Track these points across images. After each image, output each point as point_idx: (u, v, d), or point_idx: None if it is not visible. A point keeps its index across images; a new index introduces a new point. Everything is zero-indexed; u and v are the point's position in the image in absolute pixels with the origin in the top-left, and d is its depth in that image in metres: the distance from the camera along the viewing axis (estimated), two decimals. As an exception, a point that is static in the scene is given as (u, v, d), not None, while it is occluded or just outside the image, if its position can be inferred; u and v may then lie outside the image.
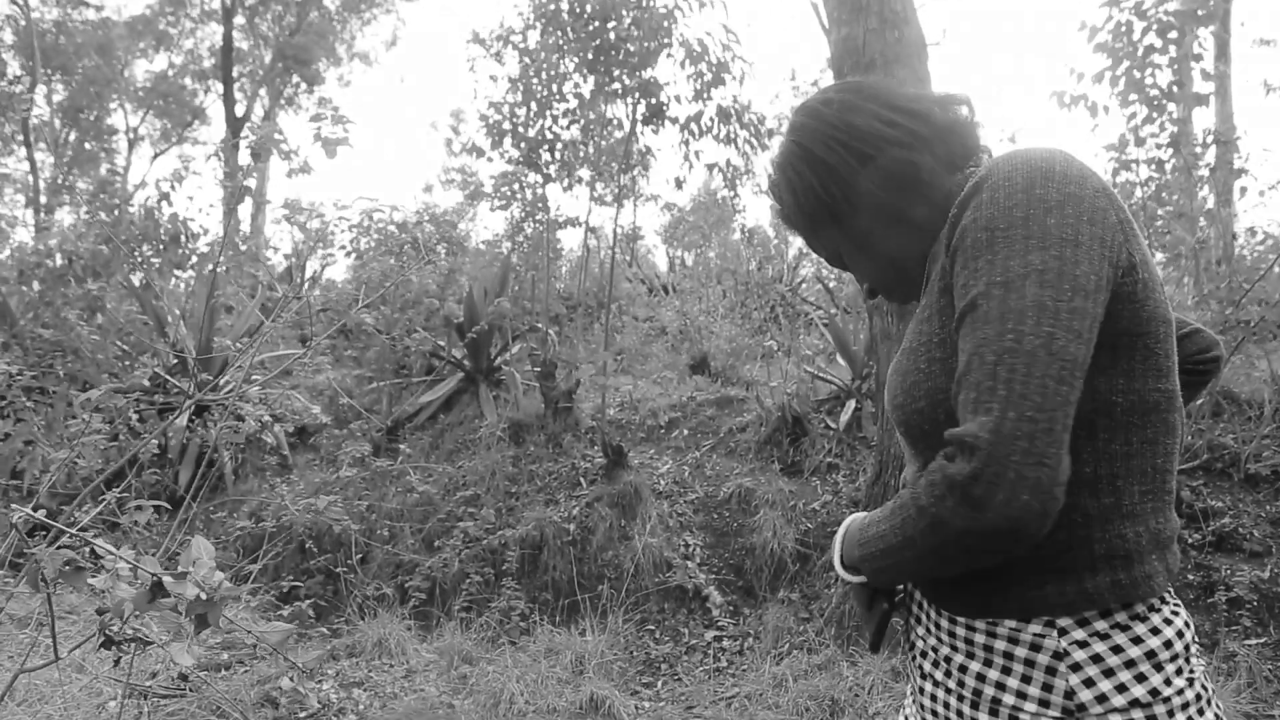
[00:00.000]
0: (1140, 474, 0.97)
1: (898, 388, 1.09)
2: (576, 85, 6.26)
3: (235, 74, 22.19)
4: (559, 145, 6.50)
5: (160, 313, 6.95)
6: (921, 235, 1.12)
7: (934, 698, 1.08)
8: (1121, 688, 0.93)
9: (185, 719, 3.28)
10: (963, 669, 1.03)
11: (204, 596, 1.43)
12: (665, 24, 5.79)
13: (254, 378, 4.80)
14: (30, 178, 21.84)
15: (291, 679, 3.46)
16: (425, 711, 3.42)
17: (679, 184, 6.59)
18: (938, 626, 1.08)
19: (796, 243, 12.03)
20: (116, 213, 8.57)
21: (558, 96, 6.31)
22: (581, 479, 5.36)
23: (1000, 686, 0.98)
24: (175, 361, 6.49)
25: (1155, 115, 5.76)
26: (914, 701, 1.15)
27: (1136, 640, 0.94)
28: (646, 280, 11.58)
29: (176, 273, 8.85)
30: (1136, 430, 0.96)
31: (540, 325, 7.16)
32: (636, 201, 9.69)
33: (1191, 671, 0.97)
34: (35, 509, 1.64)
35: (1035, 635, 0.96)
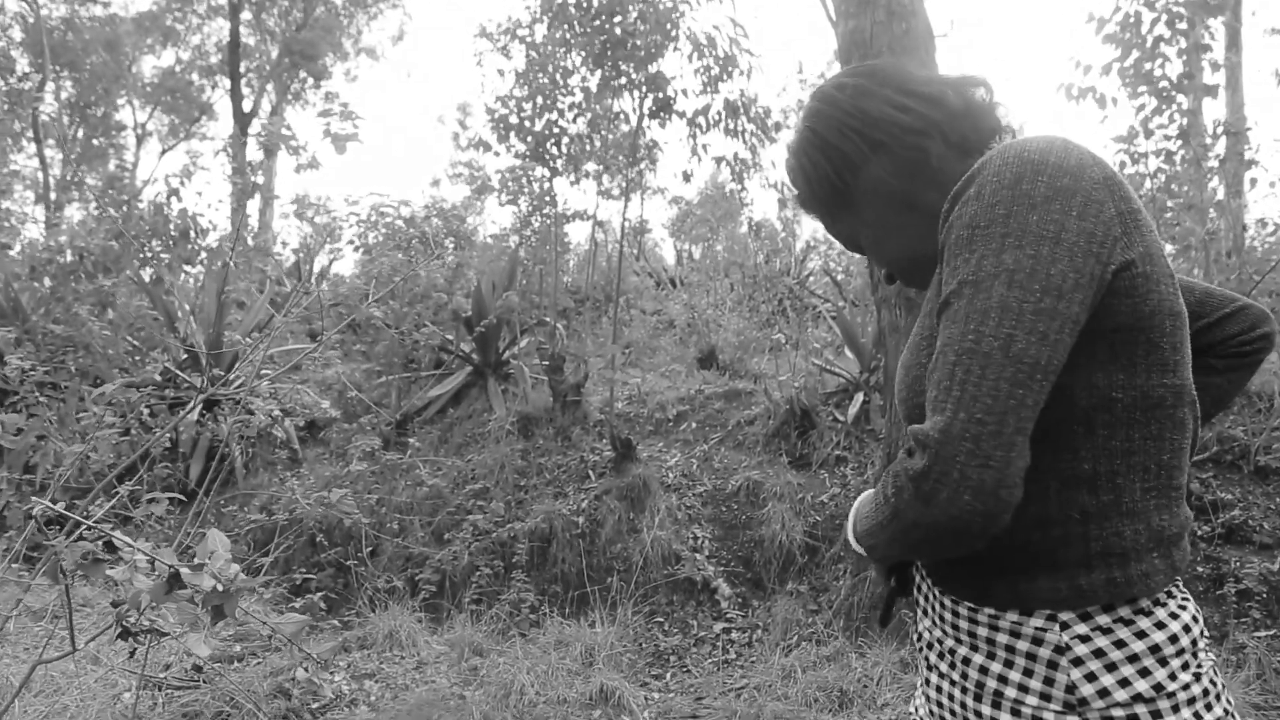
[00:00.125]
0: (1143, 471, 0.96)
1: (903, 381, 1.10)
2: (584, 79, 6.26)
3: (242, 69, 22.19)
4: (565, 139, 6.51)
5: (170, 308, 6.99)
6: (934, 221, 1.11)
7: (940, 689, 1.08)
8: (1124, 682, 0.92)
9: (199, 710, 3.31)
10: (966, 661, 1.03)
11: (220, 588, 1.45)
12: (672, 17, 5.79)
13: (264, 372, 4.83)
14: (40, 174, 21.92)
15: (306, 669, 3.48)
16: (436, 702, 3.44)
17: (686, 178, 6.60)
18: (943, 619, 1.08)
19: (804, 236, 12.02)
20: (125, 208, 8.60)
21: (563, 90, 6.32)
22: (590, 472, 5.38)
23: (1003, 680, 0.99)
24: (185, 356, 6.53)
25: (1164, 107, 5.74)
26: (922, 693, 1.16)
27: (1140, 634, 0.94)
28: (654, 274, 11.58)
29: (186, 268, 8.89)
30: (1139, 426, 0.95)
31: (548, 319, 7.17)
32: (644, 195, 9.69)
33: (1199, 666, 0.96)
34: (52, 503, 1.65)
35: (1037, 629, 0.96)
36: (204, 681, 3.49)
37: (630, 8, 5.80)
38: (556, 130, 6.46)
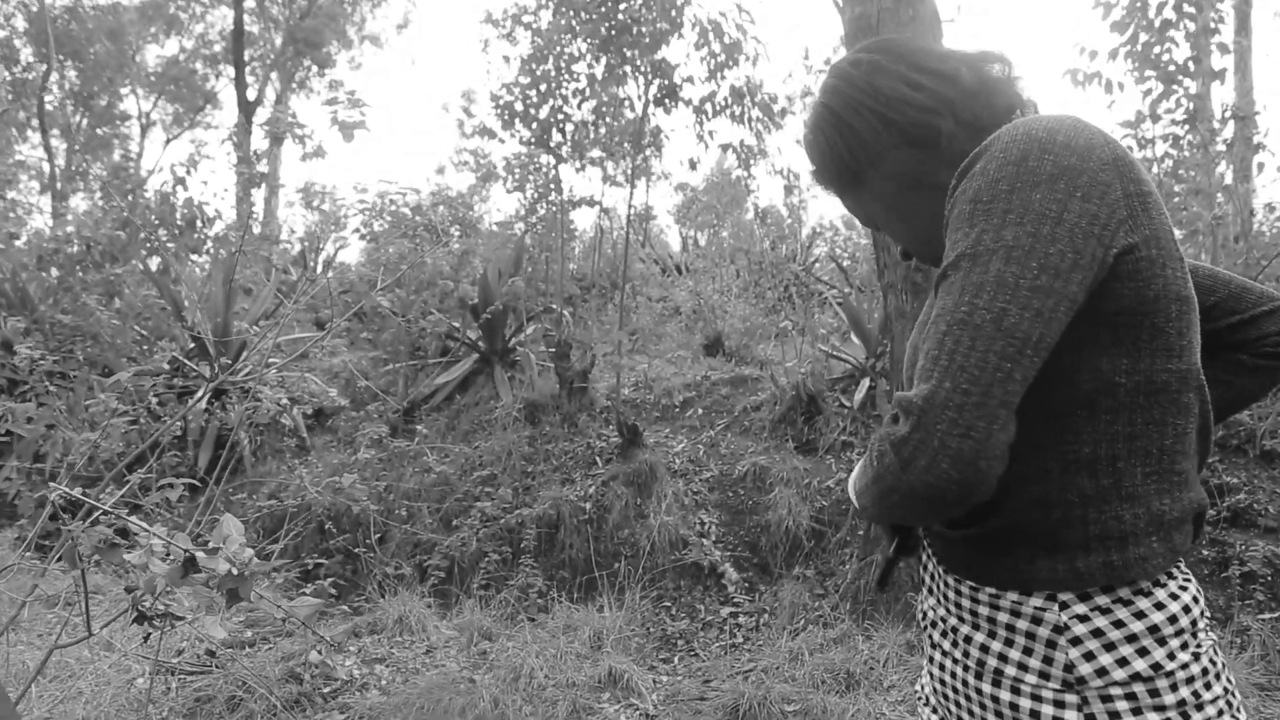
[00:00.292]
0: (1144, 455, 0.96)
1: (910, 361, 1.12)
2: (590, 65, 6.25)
3: (246, 58, 22.17)
4: (570, 126, 6.51)
5: (178, 297, 7.01)
6: (945, 198, 1.11)
7: (943, 667, 1.10)
8: (1122, 661, 0.93)
9: (212, 695, 3.34)
10: (968, 640, 1.05)
11: (235, 572, 1.47)
12: (677, 4, 5.78)
13: (271, 361, 4.85)
14: (45, 164, 21.96)
15: (320, 652, 3.52)
16: (447, 686, 3.47)
17: (693, 165, 6.59)
18: (947, 598, 1.09)
19: (810, 222, 12.00)
20: (131, 198, 8.63)
21: (567, 76, 6.31)
22: (597, 458, 5.40)
23: (1003, 658, 1.00)
24: (193, 345, 6.56)
25: (1174, 89, 5.72)
26: (927, 671, 1.17)
27: (1139, 615, 0.94)
28: (660, 260, 11.57)
29: (193, 257, 8.92)
30: (1142, 411, 0.95)
31: (554, 306, 7.18)
32: (649, 181, 9.68)
33: (1198, 646, 0.97)
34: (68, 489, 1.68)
35: (1036, 609, 0.97)
36: (216, 666, 3.53)
37: (635, -6, 5.79)
38: (561, 117, 6.46)
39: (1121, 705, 0.93)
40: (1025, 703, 0.97)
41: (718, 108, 6.11)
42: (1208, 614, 1.02)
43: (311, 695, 3.45)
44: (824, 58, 7.57)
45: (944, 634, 1.10)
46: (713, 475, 5.23)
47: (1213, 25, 5.97)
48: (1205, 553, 3.95)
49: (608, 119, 6.49)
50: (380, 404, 6.34)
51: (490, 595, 4.63)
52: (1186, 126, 5.83)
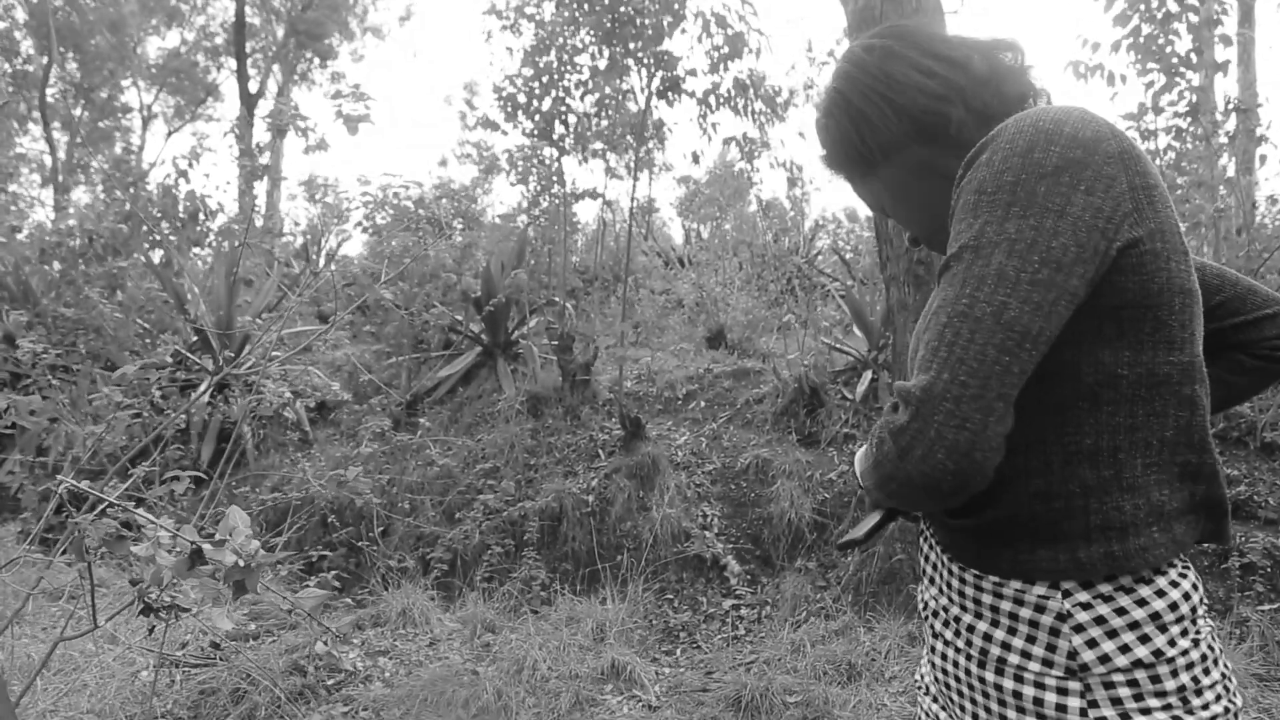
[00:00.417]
0: (1145, 447, 0.96)
1: (913, 352, 1.12)
2: (593, 57, 6.25)
3: (248, 50, 22.14)
4: (572, 118, 6.50)
5: (180, 290, 7.02)
6: (952, 186, 1.11)
7: (945, 656, 1.10)
8: (1125, 648, 0.94)
9: (217, 687, 3.36)
10: (970, 628, 1.05)
11: (242, 563, 1.48)
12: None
13: (274, 354, 4.86)
14: (47, 157, 21.95)
15: (325, 644, 3.53)
16: (450, 678, 3.49)
17: (696, 158, 6.61)
18: (949, 586, 1.10)
19: (813, 215, 11.99)
20: (133, 191, 8.63)
21: (570, 68, 6.31)
22: (600, 451, 5.41)
23: (1006, 646, 1.00)
24: (196, 338, 6.56)
25: (1176, 81, 5.71)
26: (928, 661, 1.18)
27: (1141, 602, 0.95)
28: (662, 253, 11.57)
29: (195, 250, 8.93)
30: (1144, 403, 0.95)
31: (557, 298, 7.18)
32: (652, 174, 9.67)
33: (1197, 633, 0.97)
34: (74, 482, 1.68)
35: (1039, 597, 0.97)
36: (221, 659, 3.55)
37: (638, -14, 5.78)
38: (564, 109, 6.46)
39: (1124, 691, 0.94)
40: (1029, 690, 0.98)
41: (720, 100, 6.11)
42: (1205, 601, 1.03)
43: (315, 687, 3.47)
44: (827, 50, 7.56)
45: (946, 623, 1.10)
46: (715, 468, 5.24)
47: (1216, 17, 5.96)
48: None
49: (610, 111, 6.49)
50: (383, 397, 6.35)
51: (493, 588, 4.64)
52: (1189, 119, 5.82)
